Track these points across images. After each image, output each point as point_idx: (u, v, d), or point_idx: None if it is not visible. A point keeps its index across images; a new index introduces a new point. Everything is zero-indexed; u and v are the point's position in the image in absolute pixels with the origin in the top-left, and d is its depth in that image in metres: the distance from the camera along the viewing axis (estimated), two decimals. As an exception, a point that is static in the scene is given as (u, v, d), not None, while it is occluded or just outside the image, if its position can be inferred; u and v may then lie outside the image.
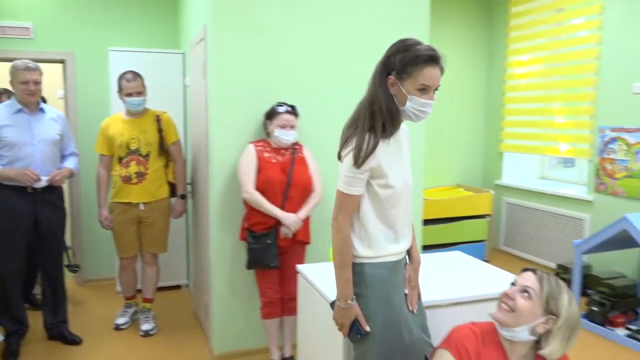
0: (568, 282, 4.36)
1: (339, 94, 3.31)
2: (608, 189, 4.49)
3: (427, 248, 4.71)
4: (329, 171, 3.29)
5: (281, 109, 2.94)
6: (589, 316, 3.85)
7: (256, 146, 2.96)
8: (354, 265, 1.77)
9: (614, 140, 4.41)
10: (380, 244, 1.79)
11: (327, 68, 3.27)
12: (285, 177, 2.90)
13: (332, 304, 1.81)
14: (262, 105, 3.07)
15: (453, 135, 5.86)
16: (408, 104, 1.72)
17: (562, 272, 4.57)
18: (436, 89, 1.74)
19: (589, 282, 4.18)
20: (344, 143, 1.78)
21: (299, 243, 3.01)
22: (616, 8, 4.38)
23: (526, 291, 1.65)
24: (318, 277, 2.44)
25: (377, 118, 1.72)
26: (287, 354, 3.12)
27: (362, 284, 1.77)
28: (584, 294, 4.30)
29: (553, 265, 5.02)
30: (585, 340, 3.62)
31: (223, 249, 3.16)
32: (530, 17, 5.33)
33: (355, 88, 3.34)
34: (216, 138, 3.08)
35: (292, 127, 2.95)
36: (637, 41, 4.19)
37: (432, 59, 1.68)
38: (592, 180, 4.64)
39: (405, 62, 1.69)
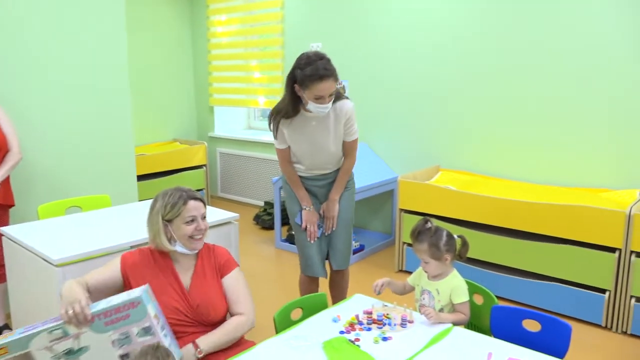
0: (273, 216, 5.11)
1: (32, 48, 3.19)
2: (298, 133, 5.34)
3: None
4: (28, 130, 3.15)
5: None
6: (288, 239, 4.65)
7: None
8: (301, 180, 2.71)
9: (299, 92, 5.24)
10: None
11: (17, 25, 3.09)
12: (-27, 139, 2.69)
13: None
14: None
15: (165, 94, 6.01)
16: (309, 105, 2.41)
17: (269, 208, 5.31)
18: (331, 95, 2.40)
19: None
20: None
21: (-1, 207, 2.86)
22: (293, -22, 5.10)
23: (204, 217, 2.01)
24: (28, 236, 2.39)
25: (281, 110, 2.51)
26: (1, 323, 2.98)
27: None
28: (286, 223, 5.12)
29: (262, 203, 5.77)
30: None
31: None
32: (226, -21, 5.74)
33: (46, 43, 3.26)
34: None
35: None
36: (310, 7, 5.01)
37: (322, 77, 2.31)
38: (286, 127, 5.44)
39: (303, 78, 2.33)
